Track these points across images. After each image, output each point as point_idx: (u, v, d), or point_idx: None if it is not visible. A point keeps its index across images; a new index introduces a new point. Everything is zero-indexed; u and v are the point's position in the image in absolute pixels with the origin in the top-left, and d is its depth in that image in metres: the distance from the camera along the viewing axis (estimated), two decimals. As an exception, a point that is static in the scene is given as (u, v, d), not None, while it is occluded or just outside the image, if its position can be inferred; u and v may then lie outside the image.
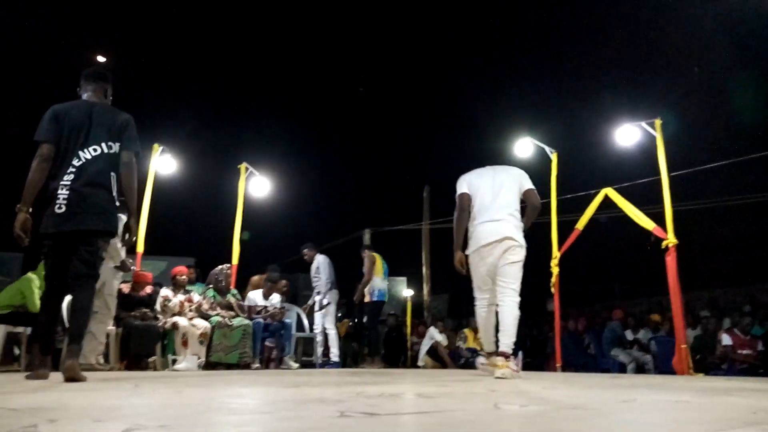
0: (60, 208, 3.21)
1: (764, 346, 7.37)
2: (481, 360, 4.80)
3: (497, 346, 4.13)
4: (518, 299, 4.14)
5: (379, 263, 7.75)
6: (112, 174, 3.37)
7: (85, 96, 3.58)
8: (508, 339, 4.04)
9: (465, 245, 4.34)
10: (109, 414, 1.77)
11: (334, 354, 7.48)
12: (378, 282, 7.63)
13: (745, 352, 7.33)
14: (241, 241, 7.46)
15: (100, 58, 13.85)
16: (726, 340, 7.47)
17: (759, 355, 7.30)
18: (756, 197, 10.45)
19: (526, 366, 8.63)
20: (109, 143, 3.38)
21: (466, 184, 4.43)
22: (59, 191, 3.23)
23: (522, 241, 4.22)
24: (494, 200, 4.26)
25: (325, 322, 7.54)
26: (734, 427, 1.54)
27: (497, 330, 4.19)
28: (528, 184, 4.40)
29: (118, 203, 3.42)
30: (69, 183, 3.25)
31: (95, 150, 3.33)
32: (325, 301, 7.54)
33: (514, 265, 4.15)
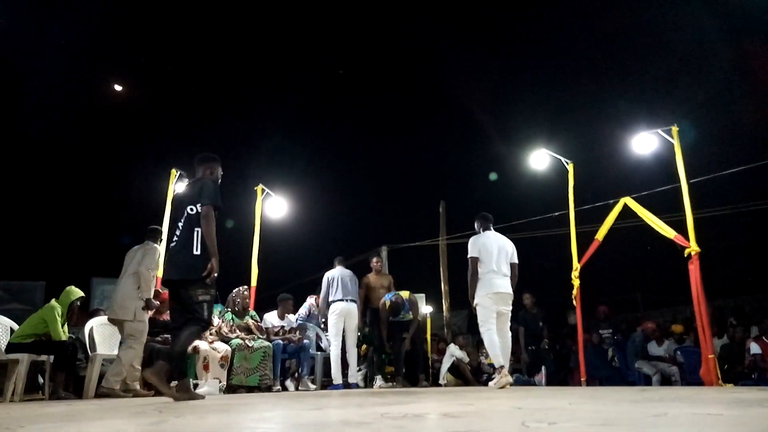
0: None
1: (794, 354, 7.20)
2: (495, 380, 5.76)
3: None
4: None
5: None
6: (196, 230, 4.10)
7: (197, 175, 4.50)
8: (508, 361, 5.91)
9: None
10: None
11: (335, 375, 7.10)
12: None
13: (774, 360, 7.16)
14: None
15: (117, 87, 14.12)
16: (754, 348, 7.31)
17: (789, 363, 7.13)
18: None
19: (550, 380, 8.51)
20: (191, 207, 4.19)
21: (477, 249, 5.91)
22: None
23: None
24: (500, 261, 5.88)
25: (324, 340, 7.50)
26: (772, 441, 1.50)
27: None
28: (516, 258, 6.05)
29: (197, 252, 4.07)
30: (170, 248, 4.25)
31: (182, 221, 4.20)
32: (322, 319, 7.53)
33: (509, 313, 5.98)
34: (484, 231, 6.10)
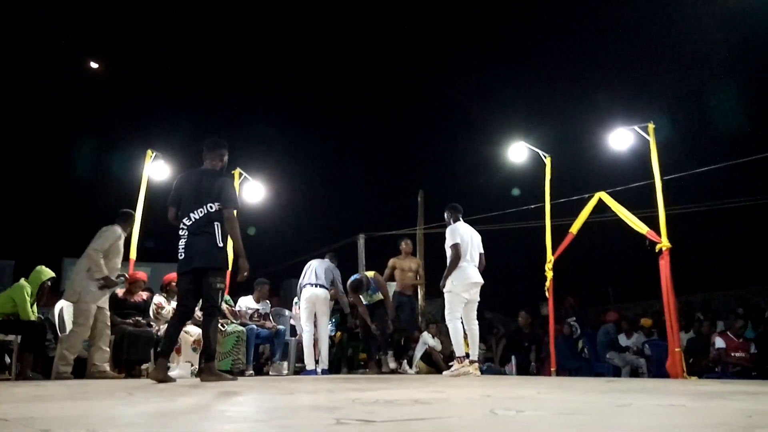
0: (180, 255, 4.31)
1: (757, 349, 7.40)
2: (453, 368, 5.99)
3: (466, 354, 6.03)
4: None
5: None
6: (216, 224, 4.29)
7: (204, 164, 4.57)
8: (477, 350, 6.24)
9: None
10: (103, 423, 1.75)
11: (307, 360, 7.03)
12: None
13: (738, 354, 7.36)
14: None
15: (93, 64, 13.81)
16: (719, 343, 7.49)
17: (752, 357, 7.33)
18: (748, 200, 10.51)
19: (521, 370, 8.64)
20: (210, 204, 4.31)
21: (458, 237, 6.05)
22: (179, 243, 4.33)
23: None
24: (473, 250, 6.12)
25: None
26: (731, 431, 1.54)
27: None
28: (482, 249, 6.30)
29: (221, 245, 4.30)
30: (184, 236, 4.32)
31: (201, 212, 4.30)
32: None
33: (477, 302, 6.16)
34: (454, 222, 6.27)
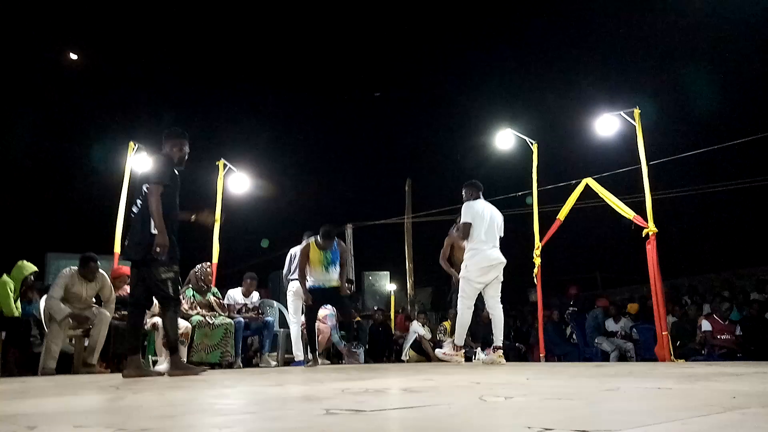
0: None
1: (742, 331, 7.50)
2: (446, 350, 5.82)
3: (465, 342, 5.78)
4: None
5: (316, 253, 6.23)
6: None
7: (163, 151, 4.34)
8: (502, 335, 5.62)
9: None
10: (91, 419, 1.73)
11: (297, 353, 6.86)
12: (314, 274, 6.26)
13: (723, 337, 7.45)
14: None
15: (73, 56, 13.60)
16: (705, 325, 7.58)
17: (737, 339, 7.43)
18: (733, 184, 10.62)
19: (509, 356, 8.70)
20: (146, 185, 4.09)
21: (471, 215, 5.56)
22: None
23: None
24: (492, 230, 5.56)
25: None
26: (716, 413, 1.55)
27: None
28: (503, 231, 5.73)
29: (155, 231, 3.99)
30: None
31: (141, 199, 4.13)
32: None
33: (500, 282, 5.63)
34: (474, 199, 5.73)
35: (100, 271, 5.78)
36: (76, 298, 5.45)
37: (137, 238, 4.06)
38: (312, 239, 6.27)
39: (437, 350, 6.22)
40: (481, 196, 5.80)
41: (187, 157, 4.41)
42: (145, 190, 4.08)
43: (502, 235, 5.71)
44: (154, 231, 3.98)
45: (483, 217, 5.56)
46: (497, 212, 5.76)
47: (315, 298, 6.12)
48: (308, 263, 6.15)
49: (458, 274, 5.83)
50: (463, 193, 5.87)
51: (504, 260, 5.55)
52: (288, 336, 7.30)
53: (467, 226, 5.52)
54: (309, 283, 6.13)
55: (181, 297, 6.34)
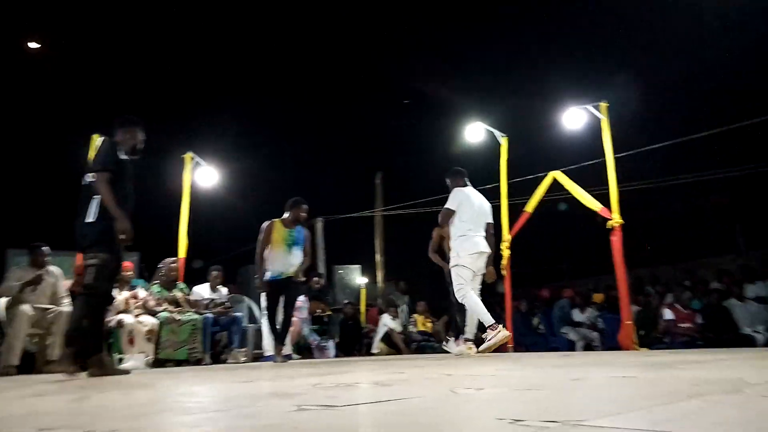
0: None
1: (703, 320, 7.73)
2: (458, 346, 5.63)
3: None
4: None
5: (280, 232, 5.88)
6: (95, 197, 3.85)
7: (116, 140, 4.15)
8: (475, 329, 5.55)
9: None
10: (56, 421, 1.69)
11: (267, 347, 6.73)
12: (274, 257, 5.87)
13: (685, 325, 7.67)
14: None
15: (33, 45, 13.17)
16: (668, 314, 7.79)
17: (698, 328, 7.66)
18: (695, 177, 10.91)
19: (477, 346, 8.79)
20: (90, 174, 3.95)
21: (457, 202, 5.47)
22: None
23: None
24: (480, 218, 5.51)
25: None
26: (679, 400, 1.60)
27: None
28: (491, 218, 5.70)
29: (90, 219, 3.84)
30: None
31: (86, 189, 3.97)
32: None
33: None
34: (462, 186, 5.65)
35: (53, 267, 5.70)
36: (31, 291, 5.40)
37: (77, 231, 3.92)
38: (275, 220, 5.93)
39: (451, 348, 5.90)
40: (468, 183, 5.75)
41: (141, 146, 4.21)
42: (91, 179, 3.91)
43: (491, 220, 5.68)
44: (89, 219, 3.82)
45: (472, 203, 5.50)
46: (484, 200, 5.72)
47: (272, 290, 5.76)
48: (270, 245, 5.80)
49: (448, 265, 5.69)
50: (448, 181, 5.77)
51: (489, 250, 5.51)
52: (258, 331, 7.24)
53: (448, 213, 5.44)
54: (267, 275, 5.78)
55: (143, 292, 6.25)
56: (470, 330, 5.56)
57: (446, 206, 5.51)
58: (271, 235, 5.81)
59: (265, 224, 5.94)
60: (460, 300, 5.38)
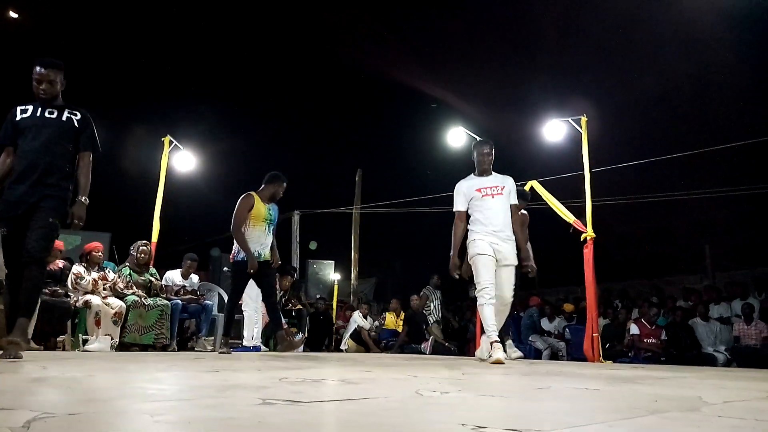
0: None
1: (667, 336, 7.88)
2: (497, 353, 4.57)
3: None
4: None
5: (260, 208, 5.36)
6: None
7: None
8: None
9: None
10: (14, 401, 1.65)
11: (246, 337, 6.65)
12: (251, 235, 5.29)
13: (650, 341, 7.81)
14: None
15: (13, 14, 12.85)
16: (634, 329, 7.93)
17: (662, 344, 7.81)
18: (665, 196, 11.12)
19: (449, 352, 8.85)
20: None
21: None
22: None
23: None
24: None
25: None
26: (638, 415, 1.63)
27: None
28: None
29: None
30: None
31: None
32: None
33: None
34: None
35: None
36: None
37: None
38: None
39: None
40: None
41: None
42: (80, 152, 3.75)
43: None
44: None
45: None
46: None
47: (244, 272, 5.12)
48: (248, 221, 5.22)
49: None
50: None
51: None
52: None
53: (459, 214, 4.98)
54: (241, 255, 5.16)
55: (113, 275, 6.15)
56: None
57: (454, 209, 5.04)
58: (252, 209, 5.25)
59: (244, 197, 5.32)
60: (477, 306, 5.01)
